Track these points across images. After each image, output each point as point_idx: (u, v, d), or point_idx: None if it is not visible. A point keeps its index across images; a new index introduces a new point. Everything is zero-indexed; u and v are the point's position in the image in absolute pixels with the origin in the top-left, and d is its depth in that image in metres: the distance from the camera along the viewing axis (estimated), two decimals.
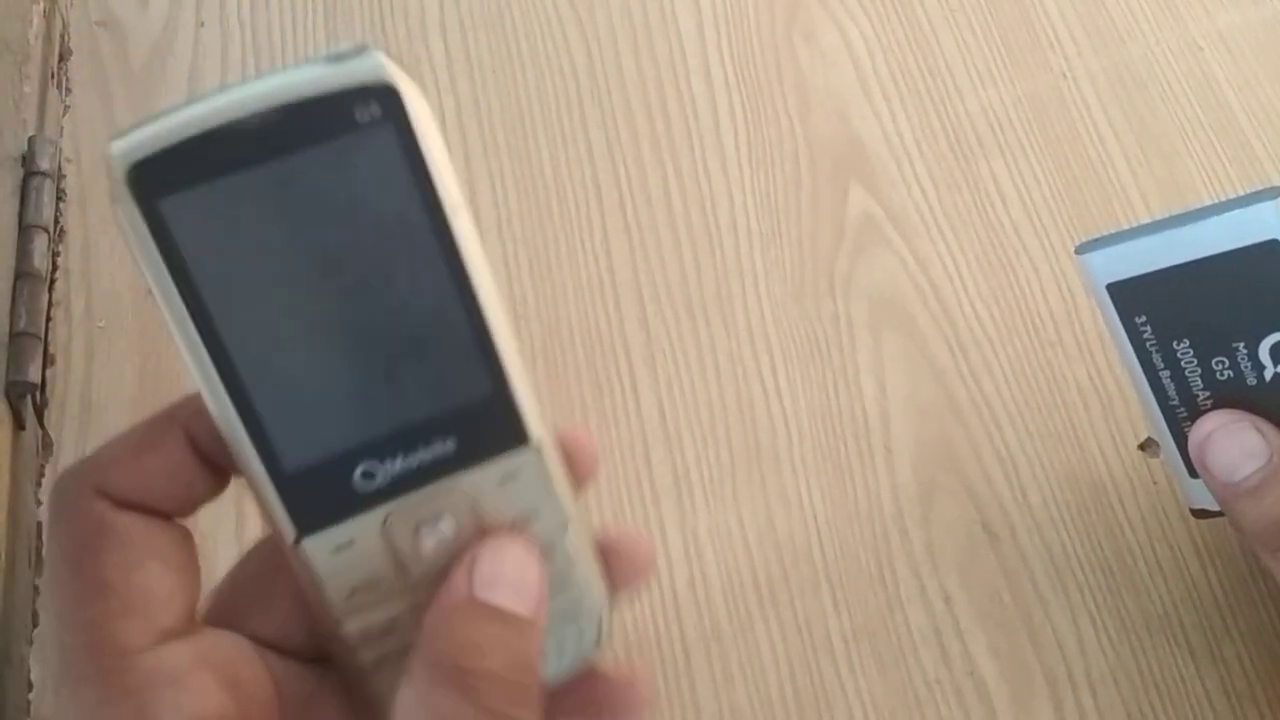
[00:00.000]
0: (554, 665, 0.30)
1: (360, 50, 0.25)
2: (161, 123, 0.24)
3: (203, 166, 0.24)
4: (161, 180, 0.24)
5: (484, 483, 0.28)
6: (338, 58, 0.25)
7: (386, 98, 0.25)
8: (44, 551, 0.27)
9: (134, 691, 0.26)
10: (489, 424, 0.28)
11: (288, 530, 0.27)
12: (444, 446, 0.27)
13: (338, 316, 0.26)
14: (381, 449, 0.27)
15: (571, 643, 0.30)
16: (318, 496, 0.27)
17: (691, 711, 0.39)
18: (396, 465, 0.27)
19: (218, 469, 0.28)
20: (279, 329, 0.26)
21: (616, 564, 0.31)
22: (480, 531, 0.28)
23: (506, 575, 0.27)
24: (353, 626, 0.28)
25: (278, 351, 0.26)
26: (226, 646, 0.28)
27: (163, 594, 0.27)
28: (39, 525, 0.40)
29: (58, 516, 0.27)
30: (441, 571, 0.28)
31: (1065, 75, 0.52)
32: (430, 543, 0.28)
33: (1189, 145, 0.50)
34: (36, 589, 0.39)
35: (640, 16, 0.53)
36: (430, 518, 0.28)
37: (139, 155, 0.24)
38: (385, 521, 0.27)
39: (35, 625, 0.39)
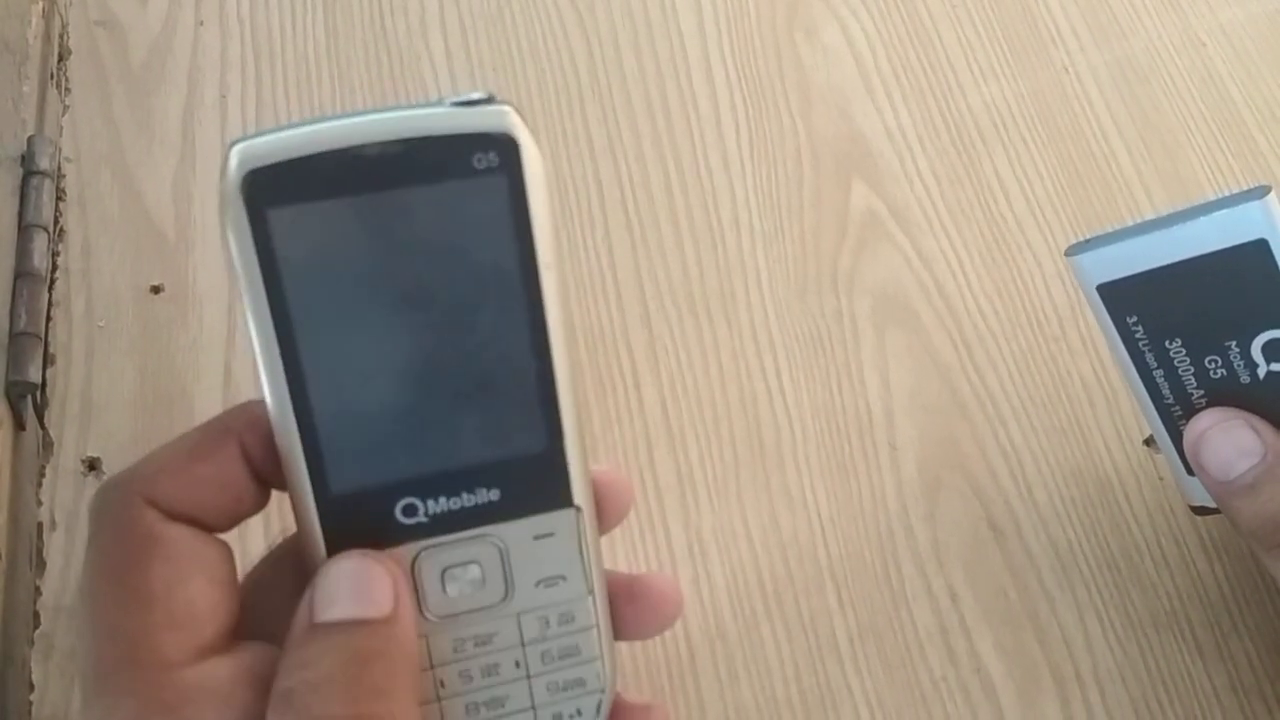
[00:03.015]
0: None
1: (489, 99, 0.26)
2: (286, 134, 0.25)
3: (317, 184, 0.25)
4: (275, 191, 0.25)
5: (519, 537, 0.28)
6: (467, 103, 0.25)
7: (506, 148, 0.25)
8: (87, 557, 0.27)
9: (174, 707, 0.25)
10: (537, 481, 0.28)
11: (320, 553, 0.27)
12: (488, 495, 0.28)
13: (414, 351, 0.26)
14: (428, 487, 0.27)
15: (570, 711, 0.30)
16: (356, 523, 0.27)
17: (697, 711, 0.38)
18: (439, 505, 0.27)
19: (265, 483, 0.28)
20: (355, 353, 0.26)
21: (641, 605, 0.31)
22: (503, 585, 0.28)
23: (341, 588, 0.27)
24: None
25: (349, 375, 0.26)
26: (266, 659, 0.27)
27: (206, 608, 0.27)
28: (39, 526, 0.40)
29: (102, 524, 0.27)
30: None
31: (1068, 70, 0.52)
32: (454, 589, 0.28)
33: (1192, 139, 0.50)
34: (38, 589, 0.39)
35: (641, 13, 0.53)
36: (459, 563, 0.28)
37: (258, 163, 0.24)
38: (415, 559, 0.28)
39: (36, 626, 0.38)
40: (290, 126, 0.25)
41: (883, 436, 0.44)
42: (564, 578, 0.29)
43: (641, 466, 0.43)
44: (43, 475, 0.41)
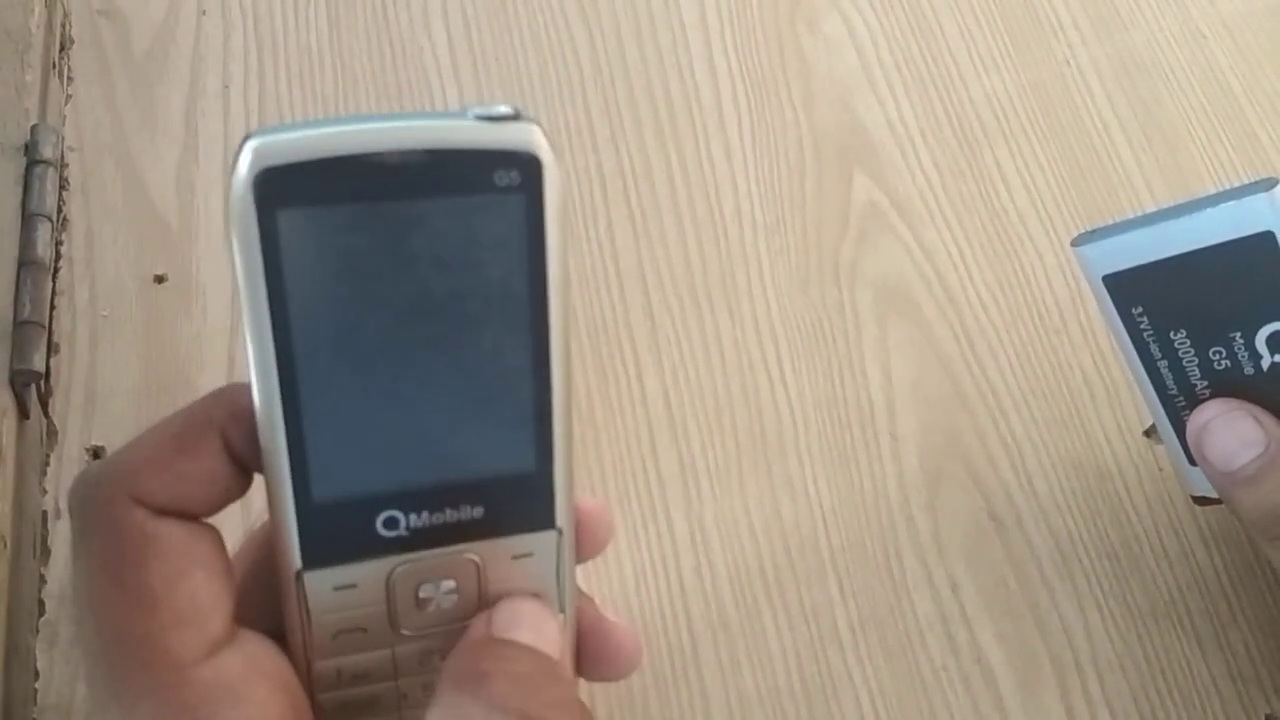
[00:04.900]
0: None
1: (517, 115, 0.25)
2: (303, 134, 0.24)
3: (332, 188, 0.24)
4: (287, 191, 0.24)
5: (498, 556, 0.28)
6: (494, 117, 0.25)
7: (529, 168, 0.25)
8: (80, 560, 0.26)
9: (193, 707, 0.25)
10: (521, 501, 0.28)
11: (293, 559, 0.27)
12: (472, 512, 0.27)
13: (412, 364, 0.26)
14: (412, 500, 0.27)
15: None
16: (334, 534, 0.27)
17: (699, 699, 0.39)
18: (422, 519, 0.27)
19: (246, 470, 0.27)
20: (352, 361, 0.25)
21: (599, 650, 0.31)
22: (477, 602, 0.28)
23: (524, 619, 0.27)
24: (326, 667, 0.28)
25: (343, 382, 0.26)
26: (269, 649, 0.27)
27: (209, 602, 0.26)
28: (44, 514, 0.40)
29: (91, 525, 0.26)
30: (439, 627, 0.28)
31: (1069, 62, 0.52)
32: (431, 603, 0.28)
33: (1193, 132, 0.50)
34: (42, 578, 0.39)
35: (643, 4, 0.53)
36: (435, 579, 0.28)
37: (273, 161, 0.24)
38: (392, 572, 0.27)
39: (41, 614, 0.38)
40: (308, 125, 0.24)
41: (884, 427, 0.44)
42: (539, 597, 0.29)
43: (644, 456, 0.43)
44: (47, 464, 0.41)
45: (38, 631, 0.38)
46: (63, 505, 0.40)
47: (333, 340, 0.25)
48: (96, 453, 0.41)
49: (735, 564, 0.41)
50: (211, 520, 0.28)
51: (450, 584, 0.28)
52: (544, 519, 0.28)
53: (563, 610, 0.29)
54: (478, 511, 0.27)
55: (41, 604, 0.39)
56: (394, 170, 0.24)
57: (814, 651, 0.40)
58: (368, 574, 0.27)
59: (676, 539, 0.41)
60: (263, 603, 0.29)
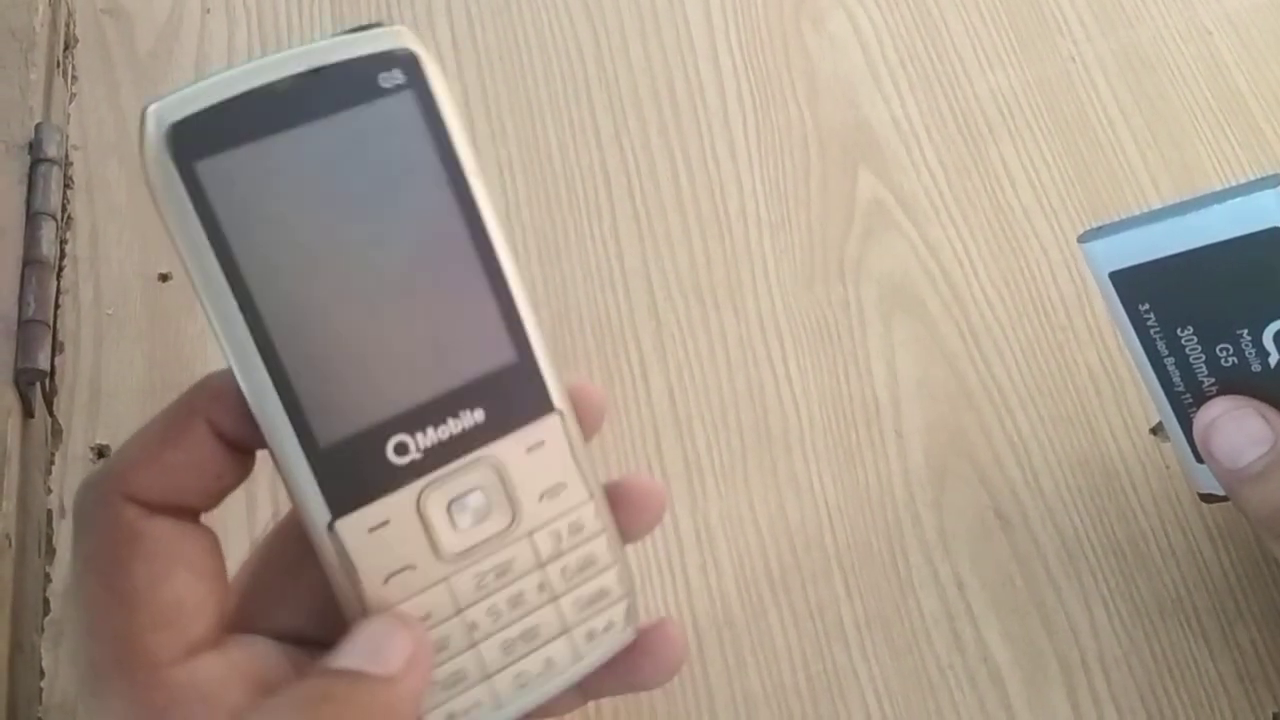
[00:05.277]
0: (585, 652, 0.30)
1: (378, 24, 0.26)
2: (195, 87, 0.25)
3: (237, 129, 0.25)
4: (197, 142, 0.25)
5: (512, 452, 0.28)
6: (363, 28, 0.26)
7: (409, 64, 0.26)
8: (73, 558, 0.26)
9: (164, 708, 0.25)
10: (516, 392, 0.28)
11: (321, 513, 0.27)
12: (473, 416, 0.28)
13: (368, 283, 0.26)
14: (414, 420, 0.27)
15: (602, 625, 0.30)
16: (352, 473, 0.27)
17: (705, 697, 0.38)
18: (429, 437, 0.27)
19: (243, 452, 0.27)
20: (309, 298, 0.26)
21: (626, 508, 0.31)
22: (510, 508, 0.28)
23: (357, 644, 0.26)
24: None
25: (309, 321, 0.26)
26: (256, 653, 0.27)
27: (192, 604, 0.26)
28: (49, 513, 0.40)
29: (84, 523, 0.26)
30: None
31: (1074, 59, 0.52)
32: (463, 520, 0.28)
33: (1198, 128, 0.50)
34: (48, 576, 0.39)
35: (648, 3, 0.53)
36: (462, 493, 0.28)
37: (177, 116, 0.24)
38: (419, 498, 0.27)
39: (46, 613, 0.38)
40: (197, 80, 0.25)
41: (889, 425, 0.44)
42: (564, 485, 0.29)
43: (649, 454, 0.43)
44: (52, 463, 0.41)
45: (43, 630, 0.38)
46: (68, 504, 0.40)
47: (286, 282, 0.26)
48: (101, 451, 0.41)
49: (740, 562, 0.41)
50: (219, 528, 0.28)
51: (479, 495, 0.28)
52: (542, 404, 0.29)
53: (591, 495, 0.30)
54: (479, 414, 0.28)
55: (46, 603, 0.39)
56: (288, 96, 0.25)
57: (819, 649, 0.39)
58: (397, 506, 0.27)
59: (681, 537, 0.41)
60: (272, 603, 0.29)
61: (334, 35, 0.26)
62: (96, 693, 0.26)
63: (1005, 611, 0.40)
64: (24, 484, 0.39)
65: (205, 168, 0.25)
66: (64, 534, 0.40)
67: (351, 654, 0.26)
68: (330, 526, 0.27)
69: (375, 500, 0.27)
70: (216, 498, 0.28)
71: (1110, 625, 0.40)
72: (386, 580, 0.27)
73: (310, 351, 0.26)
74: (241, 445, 0.27)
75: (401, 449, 0.27)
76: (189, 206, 0.25)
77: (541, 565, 0.29)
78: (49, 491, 0.41)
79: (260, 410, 0.26)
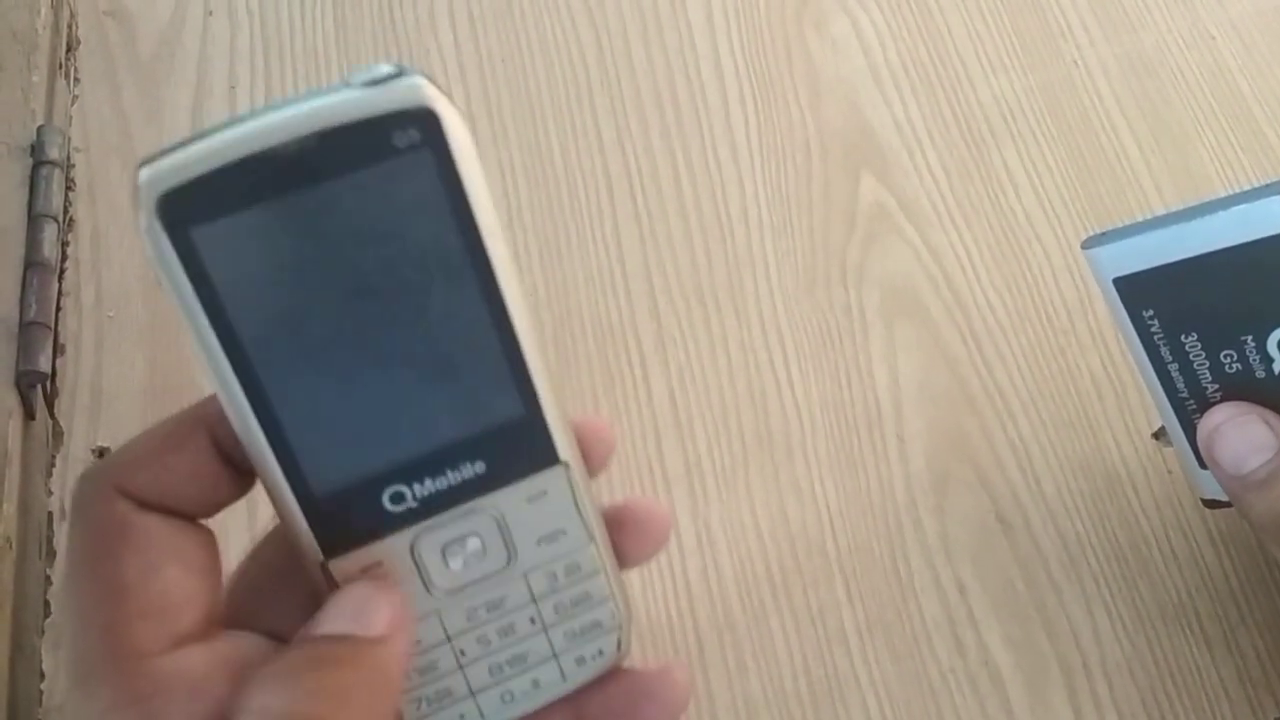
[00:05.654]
0: (573, 675, 0.30)
1: (399, 73, 0.24)
2: (193, 149, 0.23)
3: (235, 195, 0.23)
4: (192, 209, 0.23)
5: (512, 502, 0.28)
6: (376, 81, 0.24)
7: (426, 123, 0.24)
8: (66, 549, 0.27)
9: (146, 696, 0.25)
10: (520, 446, 0.28)
11: (314, 553, 0.27)
12: (474, 468, 0.27)
13: (370, 341, 0.26)
14: (412, 471, 0.27)
15: (592, 653, 0.30)
16: (346, 520, 0.27)
17: (705, 701, 0.38)
18: (426, 487, 0.27)
19: (242, 471, 0.27)
20: (311, 355, 0.25)
21: (631, 533, 0.31)
22: (507, 552, 0.28)
23: (343, 609, 0.26)
24: None
25: (309, 378, 0.25)
26: (246, 649, 0.27)
27: (181, 597, 0.26)
28: (50, 515, 0.40)
29: (78, 515, 0.26)
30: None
31: (1077, 64, 0.52)
32: (458, 562, 0.28)
33: (1202, 133, 0.50)
34: (48, 578, 0.39)
35: (650, 6, 0.53)
36: (457, 537, 0.28)
37: (168, 184, 0.23)
38: (414, 542, 0.27)
39: (47, 615, 0.38)
40: (196, 138, 0.23)
41: (891, 429, 0.44)
42: (564, 532, 0.29)
43: (650, 457, 0.43)
44: (53, 465, 0.41)
45: (43, 632, 0.38)
46: (69, 507, 0.40)
47: (286, 340, 0.25)
48: (102, 453, 0.41)
49: (741, 566, 0.41)
50: (219, 528, 0.28)
51: (475, 543, 0.28)
52: (546, 457, 0.28)
53: (592, 539, 0.29)
54: (479, 467, 0.27)
55: (47, 604, 0.39)
56: (292, 161, 0.23)
57: (820, 654, 0.39)
58: (390, 549, 0.27)
59: (683, 541, 0.41)
60: (266, 603, 0.29)
61: (351, 85, 0.24)
62: (82, 680, 0.26)
63: (1007, 616, 0.40)
64: (25, 486, 0.39)
65: (199, 234, 0.23)
66: (65, 536, 0.40)
67: (336, 619, 0.26)
68: (323, 566, 0.27)
69: (368, 544, 0.27)
70: (212, 507, 0.28)
71: (1112, 630, 0.40)
72: None
73: (306, 407, 0.25)
74: (241, 465, 0.27)
75: (398, 498, 0.27)
76: (180, 272, 0.24)
77: (534, 601, 0.29)
78: (50, 494, 0.41)
79: (256, 461, 0.26)
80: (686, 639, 0.39)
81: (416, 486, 0.27)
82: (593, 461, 0.30)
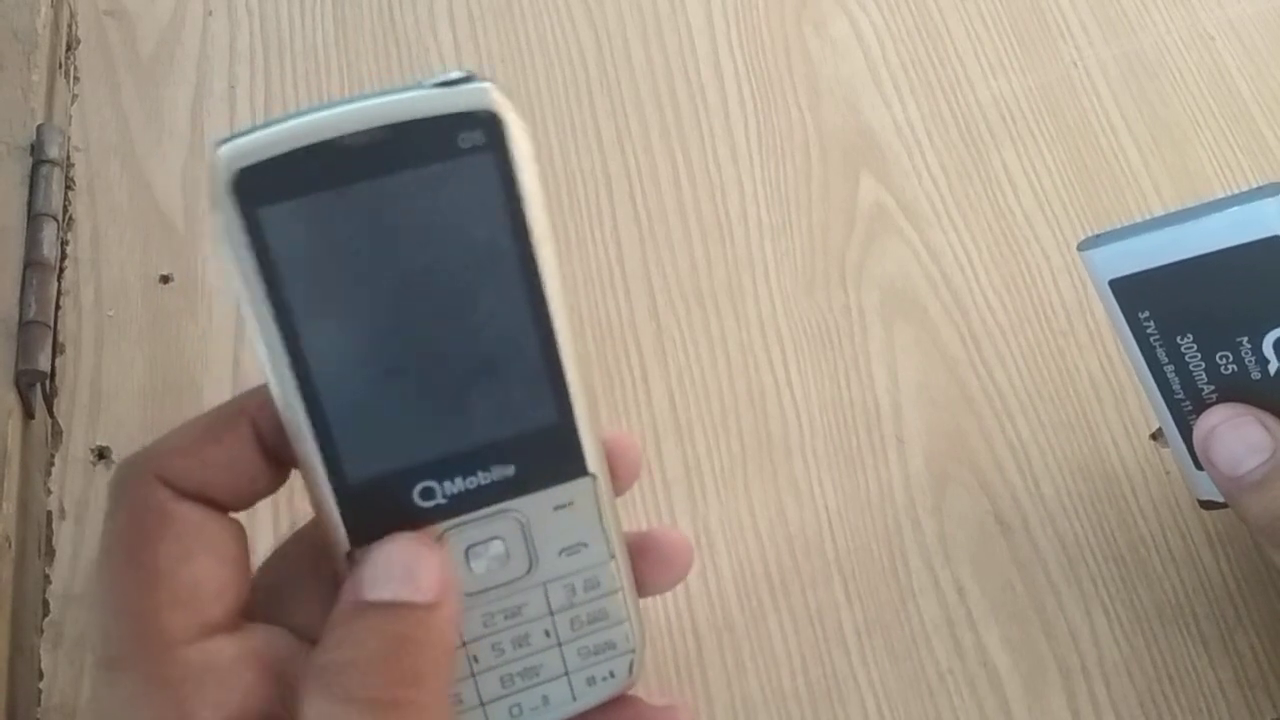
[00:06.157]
0: (583, 695, 0.30)
1: (469, 77, 0.25)
2: (270, 131, 0.24)
3: (305, 178, 0.25)
4: (264, 188, 0.24)
5: (538, 508, 0.28)
6: (447, 83, 0.25)
7: (491, 125, 0.25)
8: (102, 533, 0.27)
9: (174, 683, 0.25)
10: (551, 453, 0.28)
11: (341, 541, 0.27)
12: (504, 471, 0.28)
13: (417, 335, 0.26)
14: (444, 469, 0.27)
15: (603, 674, 0.30)
16: (376, 510, 0.27)
17: (704, 701, 0.38)
18: (456, 485, 0.27)
19: (279, 463, 0.28)
20: (360, 343, 0.26)
21: (653, 562, 0.31)
22: (528, 557, 0.29)
23: (392, 570, 0.26)
24: None
25: (356, 365, 0.26)
26: (274, 642, 0.28)
27: (212, 587, 0.27)
28: (49, 514, 0.40)
29: (117, 500, 0.27)
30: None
31: (1076, 64, 0.52)
32: (481, 565, 0.28)
33: (1200, 134, 0.50)
34: (47, 578, 0.39)
35: (649, 6, 0.53)
36: (482, 540, 0.28)
37: (245, 162, 0.24)
38: (438, 539, 0.28)
39: (46, 614, 0.38)
40: (274, 122, 0.25)
41: (890, 430, 0.44)
42: (586, 544, 0.29)
43: (649, 458, 0.43)
44: (52, 464, 0.41)
45: (42, 632, 0.38)
46: (68, 506, 0.40)
47: (337, 325, 0.26)
48: (101, 453, 0.41)
49: (740, 567, 0.41)
50: (248, 520, 0.28)
51: (499, 544, 0.28)
52: (576, 467, 0.28)
53: (612, 555, 0.30)
54: (509, 470, 0.28)
55: (46, 604, 0.39)
56: (362, 150, 0.25)
57: (819, 655, 0.39)
58: None
59: None
60: (292, 598, 0.29)
61: (420, 86, 0.25)
62: (111, 664, 0.26)
63: (1005, 617, 0.40)
64: (24, 485, 0.39)
65: (268, 213, 0.25)
66: (64, 536, 0.40)
67: (386, 580, 0.26)
68: (349, 555, 0.27)
69: None
70: (248, 500, 0.28)
71: (1110, 631, 0.40)
72: None
73: (350, 396, 0.26)
74: (279, 457, 0.28)
75: (428, 494, 0.27)
76: (247, 250, 0.25)
77: (551, 614, 0.30)
78: (49, 493, 0.41)
79: (295, 442, 0.26)
80: (685, 639, 0.40)
81: (447, 484, 0.27)
82: (619, 479, 0.30)
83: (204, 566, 0.27)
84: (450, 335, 0.26)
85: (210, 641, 0.26)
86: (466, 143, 0.25)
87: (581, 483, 0.29)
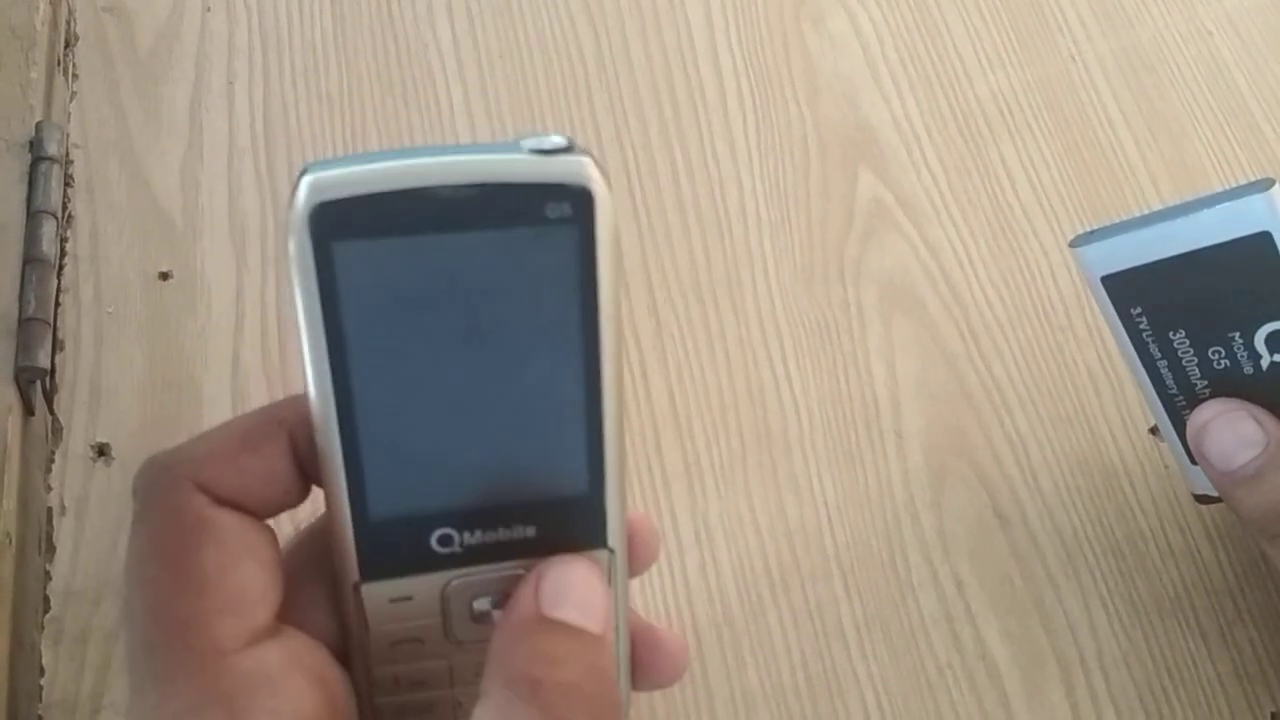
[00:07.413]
0: None
1: (569, 147, 0.25)
2: (359, 170, 0.24)
3: (386, 221, 0.24)
4: (342, 224, 0.24)
5: None
6: (546, 150, 0.25)
7: (580, 200, 0.25)
8: (132, 540, 0.27)
9: (230, 695, 0.25)
10: (574, 522, 0.28)
11: (351, 571, 0.27)
12: (525, 531, 0.28)
13: (466, 389, 0.26)
14: (466, 519, 0.27)
15: None
16: (391, 547, 0.27)
17: (704, 696, 0.39)
18: (475, 537, 0.27)
19: (309, 478, 0.28)
20: (407, 386, 0.26)
21: (649, 658, 0.31)
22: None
23: (573, 593, 0.27)
24: (384, 674, 0.29)
25: (399, 406, 0.26)
26: (311, 646, 0.28)
27: (256, 593, 0.26)
28: (49, 511, 0.40)
29: (152, 506, 0.26)
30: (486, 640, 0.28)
31: (1074, 59, 0.52)
32: (485, 616, 0.28)
33: (1198, 129, 0.50)
34: (48, 574, 0.39)
35: (648, 2, 0.53)
36: (489, 593, 0.28)
37: (328, 196, 0.24)
38: (446, 586, 0.28)
39: (46, 610, 0.39)
40: (363, 159, 0.24)
41: (889, 425, 0.44)
42: None
43: (648, 454, 0.43)
44: (52, 461, 0.41)
45: (43, 628, 0.38)
46: (68, 502, 0.41)
47: (388, 367, 0.26)
48: (101, 449, 0.41)
49: (740, 561, 0.41)
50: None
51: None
52: (596, 538, 0.28)
53: (616, 630, 0.29)
54: (530, 530, 0.28)
55: (47, 600, 0.39)
56: (447, 204, 0.24)
57: (818, 649, 0.40)
58: (423, 587, 0.28)
59: (681, 537, 0.41)
60: (306, 604, 0.29)
61: (518, 148, 0.25)
62: (158, 675, 0.25)
63: (1004, 611, 0.40)
64: (24, 482, 0.39)
65: (341, 248, 0.24)
66: (64, 532, 0.40)
67: (566, 604, 0.26)
68: (356, 587, 0.27)
69: (404, 577, 0.28)
70: (276, 510, 0.28)
71: (1109, 624, 0.40)
72: (393, 645, 0.28)
73: (388, 436, 0.26)
74: (310, 474, 0.28)
75: (445, 540, 0.27)
76: (314, 280, 0.25)
77: None
78: (49, 489, 0.41)
79: (324, 466, 0.26)
80: (685, 634, 0.40)
81: (466, 534, 0.27)
82: (636, 560, 0.30)
83: (248, 572, 0.26)
84: (499, 394, 0.26)
85: (258, 648, 0.26)
86: (554, 213, 0.25)
87: (598, 554, 0.29)
